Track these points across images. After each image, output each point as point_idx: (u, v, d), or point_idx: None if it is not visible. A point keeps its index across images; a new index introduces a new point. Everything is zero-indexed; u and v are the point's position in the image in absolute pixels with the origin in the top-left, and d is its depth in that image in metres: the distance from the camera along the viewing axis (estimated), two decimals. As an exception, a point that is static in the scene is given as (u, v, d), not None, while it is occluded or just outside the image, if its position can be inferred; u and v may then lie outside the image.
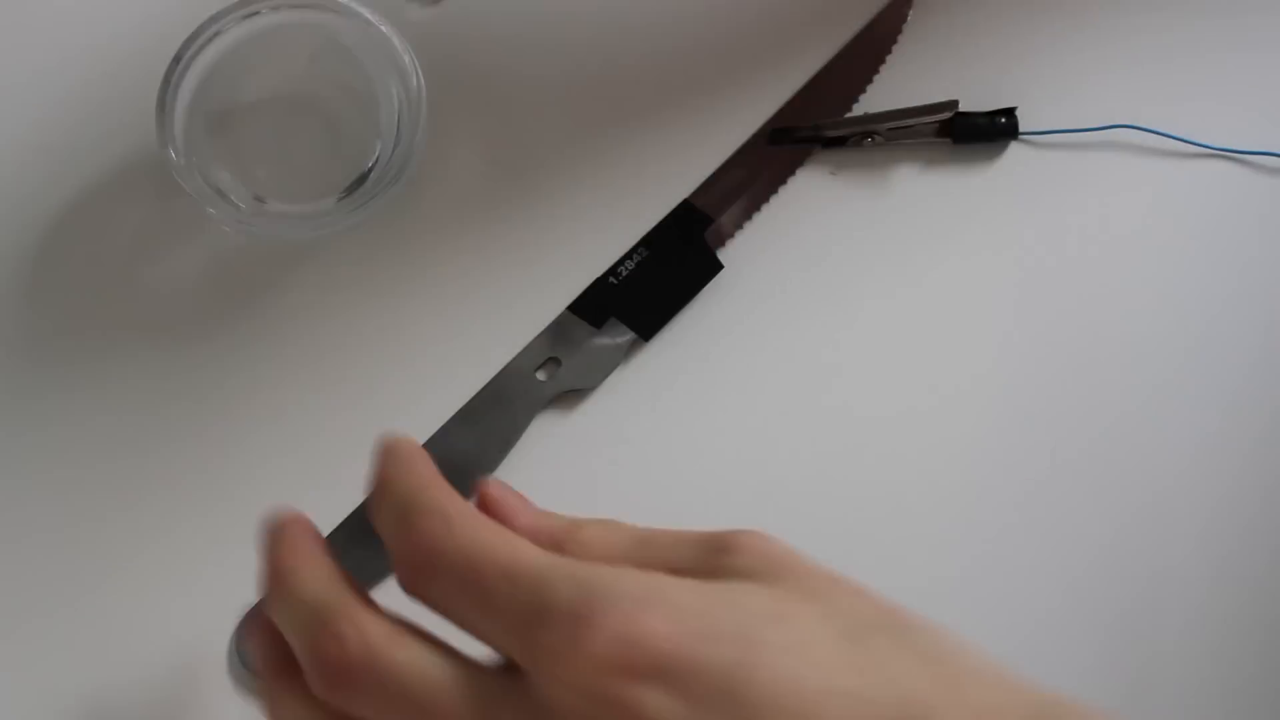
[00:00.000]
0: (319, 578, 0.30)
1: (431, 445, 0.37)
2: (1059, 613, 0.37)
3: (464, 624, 0.28)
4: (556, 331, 0.38)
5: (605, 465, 0.37)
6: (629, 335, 0.38)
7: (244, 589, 0.32)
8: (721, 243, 0.39)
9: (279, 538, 0.31)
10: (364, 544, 0.34)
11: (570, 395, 0.38)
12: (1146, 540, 0.38)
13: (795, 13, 0.41)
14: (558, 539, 0.30)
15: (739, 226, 0.39)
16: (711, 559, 0.28)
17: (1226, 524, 0.38)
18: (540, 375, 0.38)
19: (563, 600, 0.26)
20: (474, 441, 0.37)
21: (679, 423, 0.38)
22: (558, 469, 0.37)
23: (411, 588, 0.29)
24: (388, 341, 0.38)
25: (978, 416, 0.38)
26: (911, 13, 0.41)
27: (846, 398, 0.38)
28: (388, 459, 0.31)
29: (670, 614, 0.25)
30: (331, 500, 0.36)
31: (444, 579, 0.28)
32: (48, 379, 0.37)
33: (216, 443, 0.36)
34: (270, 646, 0.31)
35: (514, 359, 0.38)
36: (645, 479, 0.37)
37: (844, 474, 0.38)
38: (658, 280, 0.38)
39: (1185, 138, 0.40)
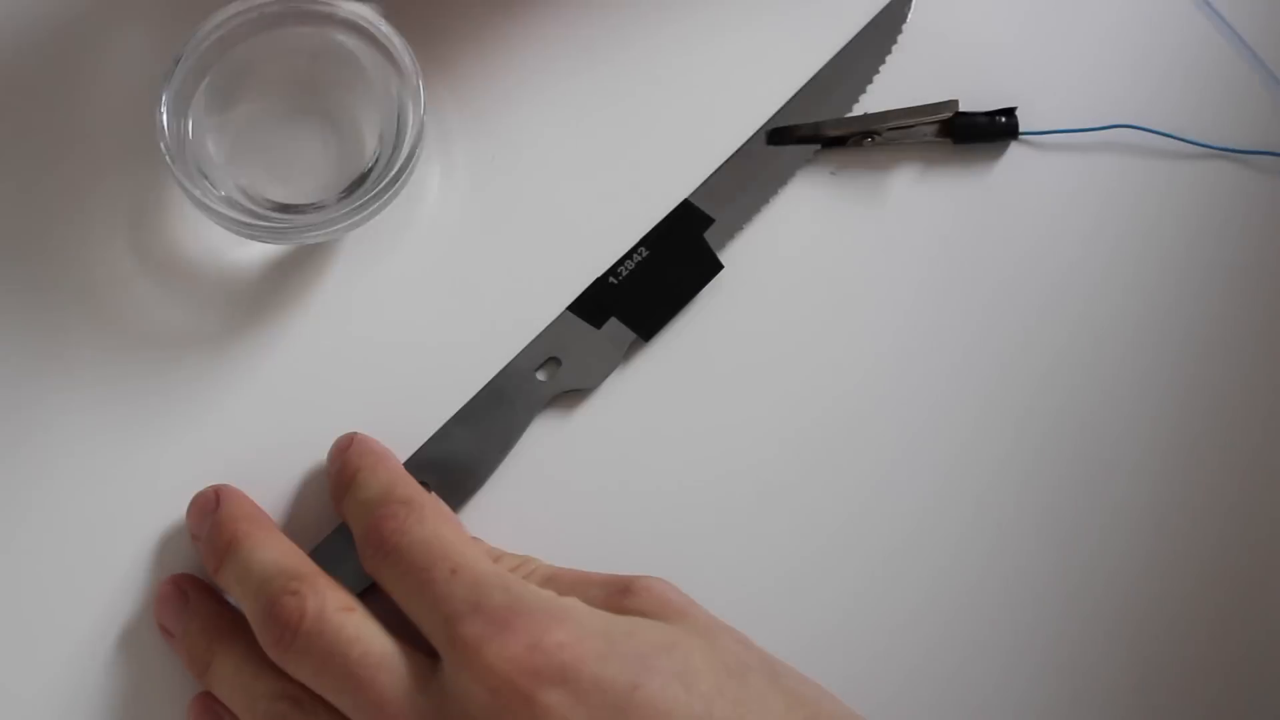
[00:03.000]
0: (280, 545, 0.33)
1: (431, 445, 0.37)
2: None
3: (404, 604, 0.31)
4: (556, 331, 0.38)
5: (605, 465, 0.37)
6: (629, 335, 0.38)
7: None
8: (722, 243, 0.39)
9: (232, 510, 0.33)
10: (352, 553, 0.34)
11: (570, 395, 0.38)
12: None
13: (795, 12, 0.41)
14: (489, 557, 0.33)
15: (739, 226, 0.39)
16: (615, 598, 0.31)
17: (1226, 534, 0.38)
18: (540, 375, 0.38)
19: (492, 603, 0.29)
20: (474, 441, 0.37)
21: (679, 423, 0.38)
22: (558, 469, 0.37)
23: (370, 565, 0.32)
24: (387, 341, 0.38)
25: (975, 412, 0.38)
26: (911, 13, 0.41)
27: (848, 397, 0.38)
28: (360, 453, 0.34)
29: (577, 631, 0.29)
30: (330, 502, 0.36)
31: (402, 562, 0.31)
32: (45, 378, 0.37)
33: (216, 444, 0.36)
34: (211, 610, 0.34)
35: (514, 359, 0.38)
36: (645, 479, 0.37)
37: (845, 472, 0.38)
38: (658, 280, 0.38)
39: (1185, 138, 0.40)
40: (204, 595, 0.34)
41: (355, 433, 0.36)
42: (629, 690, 0.28)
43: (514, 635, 0.29)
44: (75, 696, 0.35)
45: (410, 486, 0.33)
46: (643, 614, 0.31)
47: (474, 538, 0.34)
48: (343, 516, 0.34)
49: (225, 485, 0.35)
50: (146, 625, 0.35)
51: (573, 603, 0.30)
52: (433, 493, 0.34)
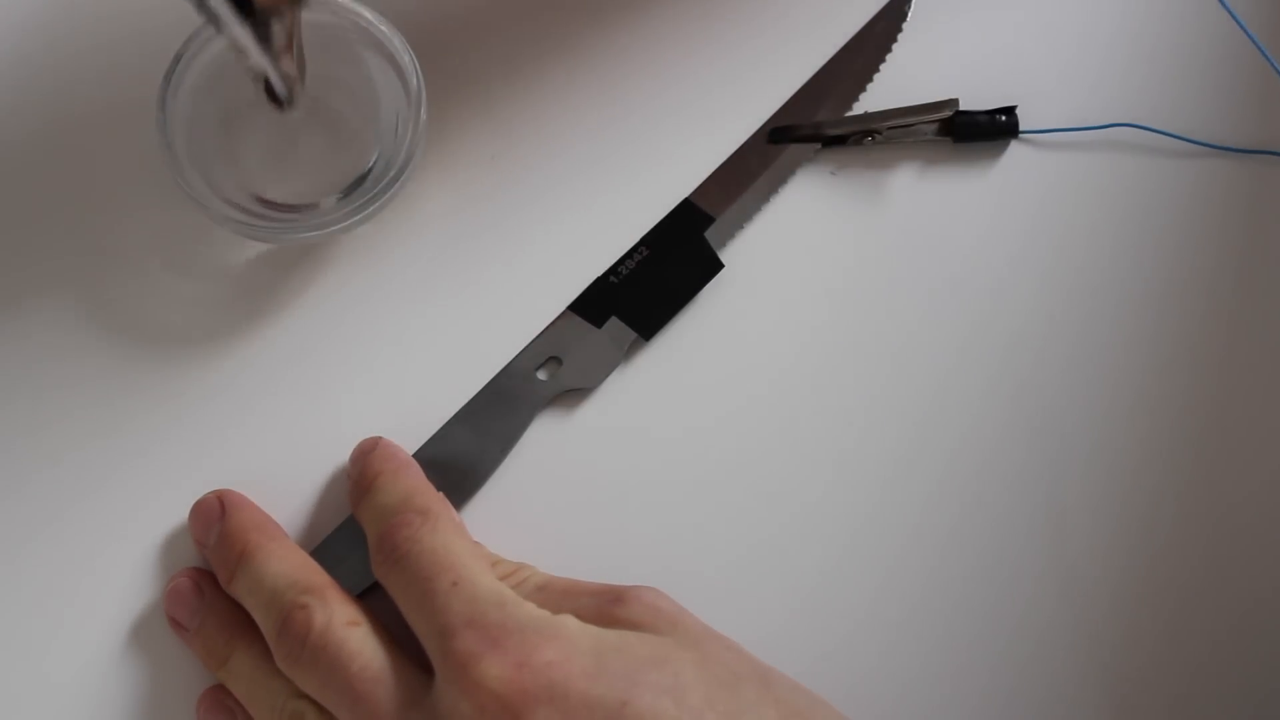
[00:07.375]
0: (290, 556, 0.33)
1: (432, 445, 0.37)
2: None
3: (406, 612, 0.31)
4: (557, 331, 0.38)
5: (606, 465, 0.37)
6: (629, 335, 0.38)
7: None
8: (722, 242, 0.39)
9: (241, 520, 0.34)
10: (359, 548, 0.34)
11: (570, 395, 0.38)
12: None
13: (795, 12, 0.41)
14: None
15: (739, 226, 0.39)
16: (607, 608, 0.31)
17: (1233, 537, 0.38)
18: (541, 375, 0.38)
19: (486, 620, 0.29)
20: (474, 441, 0.37)
21: (680, 422, 0.38)
22: (558, 469, 0.37)
23: (379, 570, 0.32)
24: (387, 341, 0.38)
25: (974, 409, 0.38)
26: (911, 12, 0.41)
27: (848, 395, 0.38)
28: (383, 458, 0.34)
29: (566, 649, 0.29)
30: (330, 501, 0.36)
31: (409, 570, 0.31)
32: (48, 377, 0.37)
33: (216, 444, 0.36)
34: (228, 605, 0.34)
35: (514, 359, 0.38)
36: (646, 478, 0.37)
37: (846, 470, 0.38)
38: (658, 279, 0.38)
39: (1185, 137, 0.40)
40: (219, 590, 0.34)
41: (379, 437, 0.36)
42: (618, 708, 0.28)
43: (503, 653, 0.29)
44: (85, 690, 0.35)
45: (428, 496, 0.33)
46: (634, 624, 0.31)
47: (475, 542, 0.34)
48: (358, 519, 0.34)
49: (229, 491, 0.35)
50: (154, 620, 0.35)
51: (565, 620, 0.30)
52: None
